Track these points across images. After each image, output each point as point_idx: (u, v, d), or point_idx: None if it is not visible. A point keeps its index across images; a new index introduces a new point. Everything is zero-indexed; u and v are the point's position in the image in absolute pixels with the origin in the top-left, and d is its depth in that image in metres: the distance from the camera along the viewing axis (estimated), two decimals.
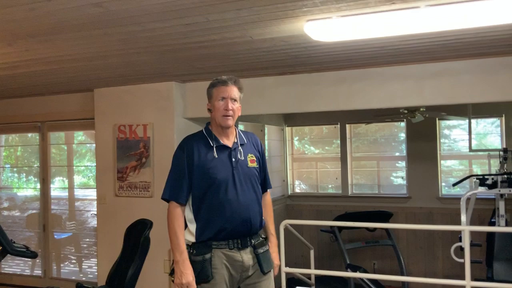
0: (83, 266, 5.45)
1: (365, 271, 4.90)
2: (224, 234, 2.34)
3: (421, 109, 5.05)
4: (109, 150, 4.32)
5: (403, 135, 6.51)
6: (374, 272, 6.11)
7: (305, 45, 2.78)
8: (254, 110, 4.10)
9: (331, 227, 5.01)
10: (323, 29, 2.36)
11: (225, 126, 2.41)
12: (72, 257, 5.53)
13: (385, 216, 5.31)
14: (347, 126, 6.72)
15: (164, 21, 2.29)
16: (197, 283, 2.32)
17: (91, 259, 5.33)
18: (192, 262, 2.33)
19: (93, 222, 5.12)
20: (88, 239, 5.48)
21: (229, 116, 2.39)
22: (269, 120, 6.25)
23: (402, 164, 6.54)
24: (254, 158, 2.47)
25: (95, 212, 4.61)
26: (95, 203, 4.57)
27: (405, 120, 6.16)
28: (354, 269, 4.72)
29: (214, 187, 2.35)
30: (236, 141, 2.46)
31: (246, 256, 2.37)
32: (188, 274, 2.30)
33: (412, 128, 6.21)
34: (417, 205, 6.19)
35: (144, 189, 4.13)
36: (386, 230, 5.34)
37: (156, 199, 4.09)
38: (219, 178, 2.35)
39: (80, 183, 5.75)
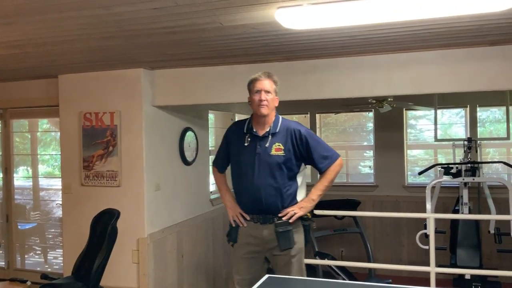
0: (48, 257, 5.33)
1: (333, 259, 4.99)
2: (247, 209, 2.84)
3: (389, 99, 5.13)
4: (74, 138, 4.21)
5: (371, 125, 6.61)
6: (342, 259, 6.21)
7: (276, 32, 2.76)
8: (225, 99, 4.06)
9: None
10: (294, 17, 2.34)
11: (261, 115, 2.79)
12: (37, 248, 5.40)
13: (353, 204, 5.40)
14: (317, 115, 6.78)
15: (131, 5, 2.22)
16: (229, 241, 2.95)
17: (57, 250, 5.21)
18: (230, 225, 2.94)
19: (59, 212, 5.00)
20: (53, 230, 5.36)
21: (263, 105, 2.76)
22: (239, 109, 6.22)
23: (370, 153, 6.65)
24: (281, 147, 2.78)
25: (61, 202, 4.50)
26: (60, 193, 4.46)
27: (373, 110, 6.25)
28: (322, 256, 4.79)
29: (239, 168, 2.86)
30: (268, 130, 2.81)
31: (267, 232, 2.80)
32: (230, 210, 2.92)
33: (380, 118, 6.31)
34: (384, 193, 6.31)
35: (111, 178, 4.05)
36: (354, 218, 5.43)
37: (123, 188, 4.03)
38: (242, 161, 2.83)
39: (45, 172, 5.60)
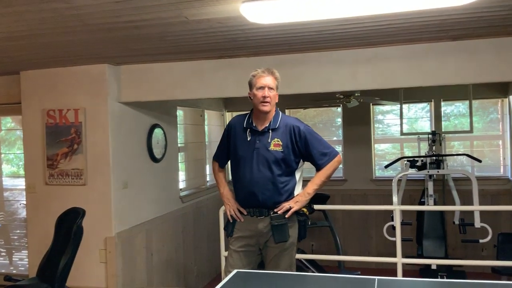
0: (14, 259, 5.18)
1: (303, 252, 5.02)
2: (244, 203, 2.87)
3: (356, 94, 5.20)
4: (37, 137, 4.09)
5: (340, 120, 6.69)
6: (312, 253, 6.27)
7: (242, 27, 2.75)
8: (193, 94, 4.03)
9: None
10: (259, 11, 2.33)
11: (263, 111, 2.80)
12: (2, 250, 5.25)
13: (322, 198, 5.44)
14: (286, 111, 6.80)
15: None
16: (227, 235, 2.99)
17: (22, 251, 5.08)
18: (227, 220, 2.96)
19: (24, 213, 4.87)
20: (18, 231, 5.22)
21: (266, 102, 2.78)
22: (209, 105, 6.19)
23: (339, 148, 6.72)
24: (280, 143, 2.80)
25: (25, 202, 4.37)
26: (25, 192, 4.33)
27: (341, 105, 6.32)
28: None
29: (237, 162, 2.87)
30: (267, 125, 2.83)
31: (262, 225, 2.82)
32: (227, 206, 2.93)
33: (348, 113, 6.39)
34: (352, 187, 6.41)
35: (76, 177, 3.96)
36: (323, 211, 5.48)
37: (89, 187, 3.95)
38: (240, 155, 2.85)
39: (9, 172, 5.43)
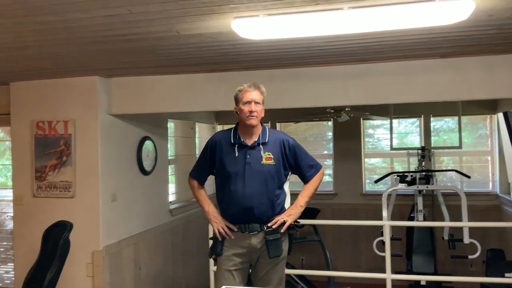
0: (0, 272, 5.10)
1: (293, 267, 4.99)
2: (234, 219, 2.80)
3: (347, 109, 5.23)
4: (26, 148, 4.05)
5: (330, 134, 6.71)
6: (302, 268, 6.24)
7: (233, 42, 2.77)
8: (184, 107, 4.03)
9: None
10: (250, 27, 2.35)
11: (250, 125, 2.79)
12: None
13: (312, 213, 5.44)
14: (277, 124, 6.82)
15: (84, 11, 2.17)
16: (213, 257, 2.91)
17: (9, 264, 4.98)
18: (214, 239, 2.89)
19: (11, 225, 4.79)
20: (5, 243, 5.13)
21: (253, 116, 2.76)
22: (200, 118, 6.19)
23: (330, 162, 6.74)
24: (271, 156, 2.80)
25: (12, 214, 4.31)
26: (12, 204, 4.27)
27: (332, 119, 6.35)
28: None
29: (227, 179, 2.79)
30: (256, 140, 2.81)
31: (255, 240, 2.77)
32: (215, 224, 2.85)
33: (339, 127, 6.42)
34: (342, 201, 6.41)
35: (64, 189, 3.92)
36: (313, 226, 5.47)
37: (77, 199, 3.91)
38: (231, 171, 2.78)
39: None
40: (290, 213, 2.83)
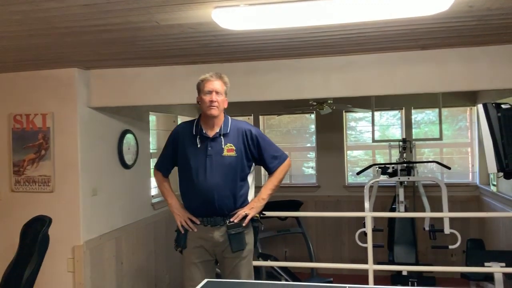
0: None
1: (276, 259, 5.01)
2: (196, 212, 2.78)
3: (329, 101, 5.24)
4: (3, 142, 3.96)
5: (313, 127, 6.73)
6: (286, 260, 6.27)
7: (214, 33, 2.73)
8: (165, 100, 3.98)
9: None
10: (231, 17, 2.32)
11: (211, 115, 2.74)
12: None
13: (295, 205, 5.46)
14: (261, 117, 6.81)
15: (60, 1, 2.11)
16: (179, 250, 2.88)
17: None
18: (178, 231, 2.86)
19: None
20: None
21: (213, 107, 2.72)
22: (182, 111, 6.13)
23: (313, 154, 6.76)
24: (233, 148, 2.75)
25: None
26: None
27: (314, 112, 6.36)
28: (265, 257, 4.81)
29: (188, 171, 2.77)
30: (218, 131, 2.77)
31: (218, 234, 2.75)
32: (177, 216, 2.84)
33: (321, 120, 6.44)
34: (325, 193, 6.45)
35: (43, 184, 3.85)
36: (297, 218, 5.49)
37: (57, 194, 3.84)
38: (192, 163, 2.75)
39: None
40: (253, 206, 2.80)
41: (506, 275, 3.84)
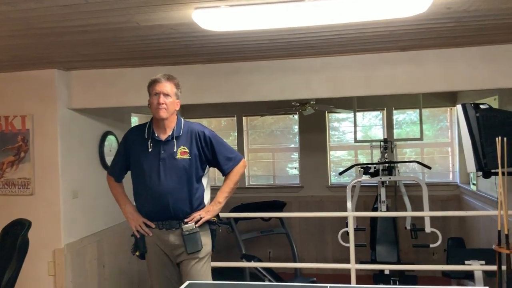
0: None
1: (259, 260, 5.02)
2: (151, 216, 2.75)
3: (311, 102, 5.27)
4: None
5: (296, 128, 6.76)
6: (270, 260, 6.28)
7: (195, 34, 2.73)
8: (146, 101, 3.94)
9: (227, 218, 5.05)
10: (212, 18, 2.32)
11: (159, 118, 2.70)
12: None
13: (279, 206, 5.48)
14: (244, 118, 6.82)
15: (38, 1, 2.08)
16: (136, 254, 2.85)
17: None
18: (134, 236, 2.83)
19: None
20: None
21: (161, 108, 2.66)
22: None
23: (296, 155, 6.79)
24: (186, 151, 2.71)
25: None
26: None
27: (297, 113, 6.39)
28: (249, 259, 4.81)
29: (142, 175, 2.74)
30: (170, 134, 2.73)
31: (173, 237, 2.72)
32: (131, 221, 2.81)
33: (304, 121, 6.47)
34: (309, 193, 6.48)
35: (23, 187, 3.79)
36: (280, 219, 5.51)
37: (37, 197, 3.79)
38: (145, 167, 2.71)
39: None
40: (209, 210, 2.78)
41: (486, 273, 3.90)
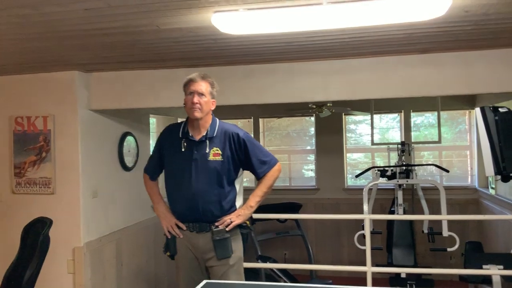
0: None
1: (275, 261, 5.03)
2: (182, 217, 2.71)
3: (328, 104, 5.26)
4: (4, 144, 3.99)
5: (313, 130, 6.75)
6: (286, 262, 6.29)
7: (214, 37, 2.76)
8: (165, 103, 4.00)
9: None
10: (230, 22, 2.35)
11: (193, 118, 2.66)
12: None
13: (294, 207, 5.49)
14: (260, 120, 6.84)
15: (61, 5, 2.14)
16: (167, 254, 2.81)
17: None
18: (166, 237, 2.79)
19: None
20: None
21: (195, 108, 2.62)
22: (182, 113, 6.15)
23: (312, 157, 6.78)
24: (219, 152, 2.65)
25: None
26: None
27: (314, 115, 6.39)
28: (264, 260, 4.82)
29: (174, 175, 2.71)
30: (204, 134, 2.68)
31: (203, 240, 2.67)
32: (164, 221, 2.79)
33: (321, 123, 6.46)
34: (325, 196, 6.47)
35: (44, 186, 3.87)
36: (296, 220, 5.51)
37: (57, 195, 3.86)
38: (177, 167, 2.69)
39: None
40: (240, 213, 2.70)
41: (504, 278, 3.85)
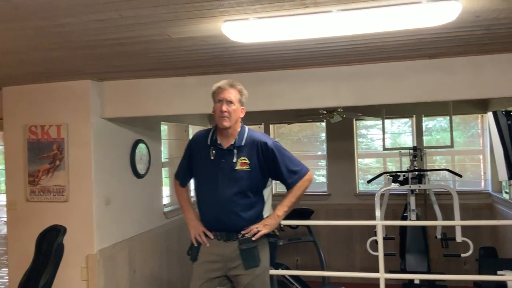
0: None
1: (287, 268, 5.02)
2: (210, 226, 2.67)
3: (339, 110, 5.26)
4: (19, 152, 4.05)
5: (324, 135, 6.75)
6: (298, 268, 6.27)
7: (224, 45, 2.79)
8: (176, 110, 4.05)
9: None
10: (241, 30, 2.37)
11: (222, 126, 2.59)
12: None
13: (306, 214, 5.47)
14: (271, 126, 6.85)
15: (75, 16, 2.19)
16: (189, 255, 2.78)
17: (3, 269, 4.98)
18: (191, 243, 2.75)
19: (5, 230, 4.79)
20: None
21: (224, 117, 2.56)
22: (193, 120, 6.21)
23: (324, 162, 6.77)
24: (246, 162, 2.60)
25: (6, 219, 4.31)
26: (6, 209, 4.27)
27: (325, 120, 6.38)
28: (276, 266, 4.81)
29: (201, 183, 2.70)
30: (233, 143, 2.62)
31: (230, 249, 2.61)
32: (192, 229, 2.73)
33: (332, 128, 6.46)
34: (336, 201, 6.44)
35: (58, 193, 3.92)
36: (308, 227, 5.50)
37: (71, 203, 3.91)
38: (205, 175, 2.66)
39: None
40: (267, 223, 2.64)
41: None
